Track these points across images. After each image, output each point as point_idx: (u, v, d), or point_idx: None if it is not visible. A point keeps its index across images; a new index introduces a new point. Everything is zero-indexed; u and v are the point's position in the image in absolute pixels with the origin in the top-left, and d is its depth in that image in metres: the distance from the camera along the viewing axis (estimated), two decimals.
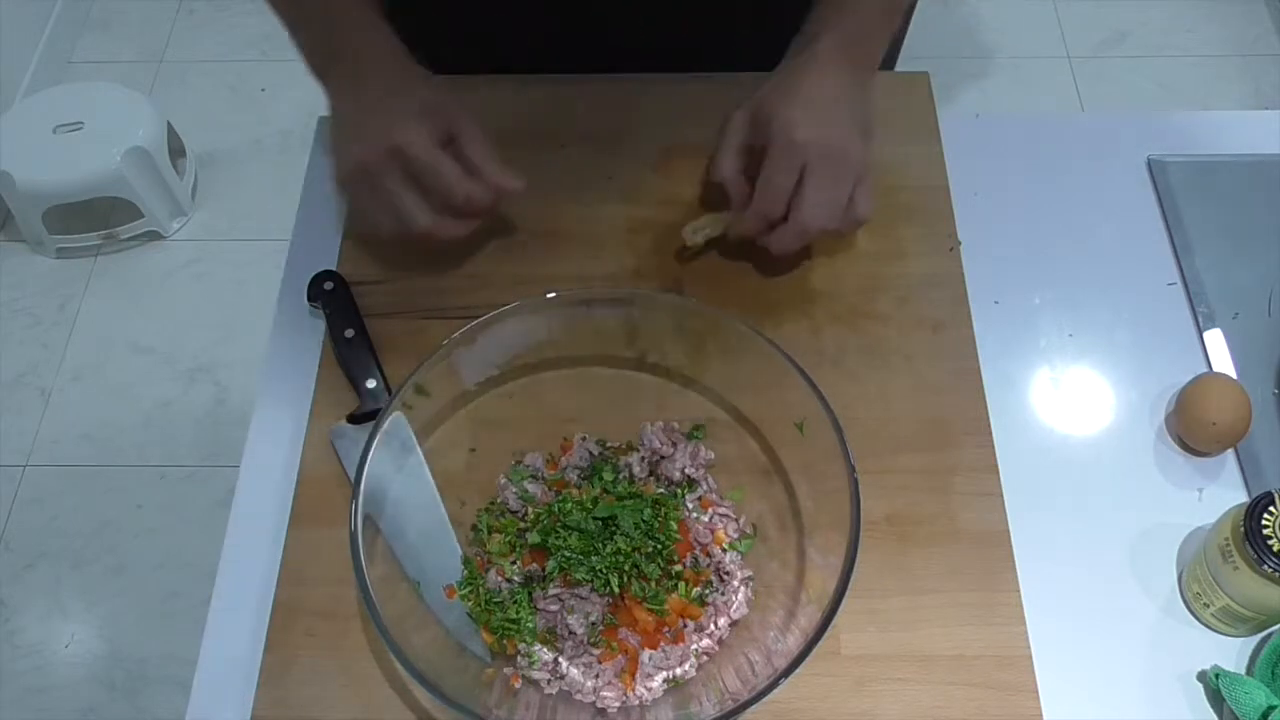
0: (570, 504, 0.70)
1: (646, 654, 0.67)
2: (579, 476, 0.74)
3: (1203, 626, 0.71)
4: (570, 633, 0.67)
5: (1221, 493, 0.76)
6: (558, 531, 0.68)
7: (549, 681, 0.67)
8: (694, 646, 0.67)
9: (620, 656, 0.67)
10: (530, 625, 0.68)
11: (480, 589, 0.69)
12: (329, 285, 0.82)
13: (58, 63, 2.31)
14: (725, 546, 0.71)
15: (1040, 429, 0.80)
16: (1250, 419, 0.75)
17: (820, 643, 0.60)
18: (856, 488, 0.64)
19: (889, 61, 1.04)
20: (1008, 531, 0.72)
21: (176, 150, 2.06)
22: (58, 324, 1.96)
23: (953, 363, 0.79)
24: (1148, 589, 0.73)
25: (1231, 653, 0.70)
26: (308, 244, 0.87)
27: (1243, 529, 0.65)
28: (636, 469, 0.74)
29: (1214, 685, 0.67)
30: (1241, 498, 0.75)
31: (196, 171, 2.12)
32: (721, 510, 0.72)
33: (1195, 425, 0.76)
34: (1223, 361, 0.82)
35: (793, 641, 0.63)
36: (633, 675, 0.66)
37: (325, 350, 0.81)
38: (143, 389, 1.88)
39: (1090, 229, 0.89)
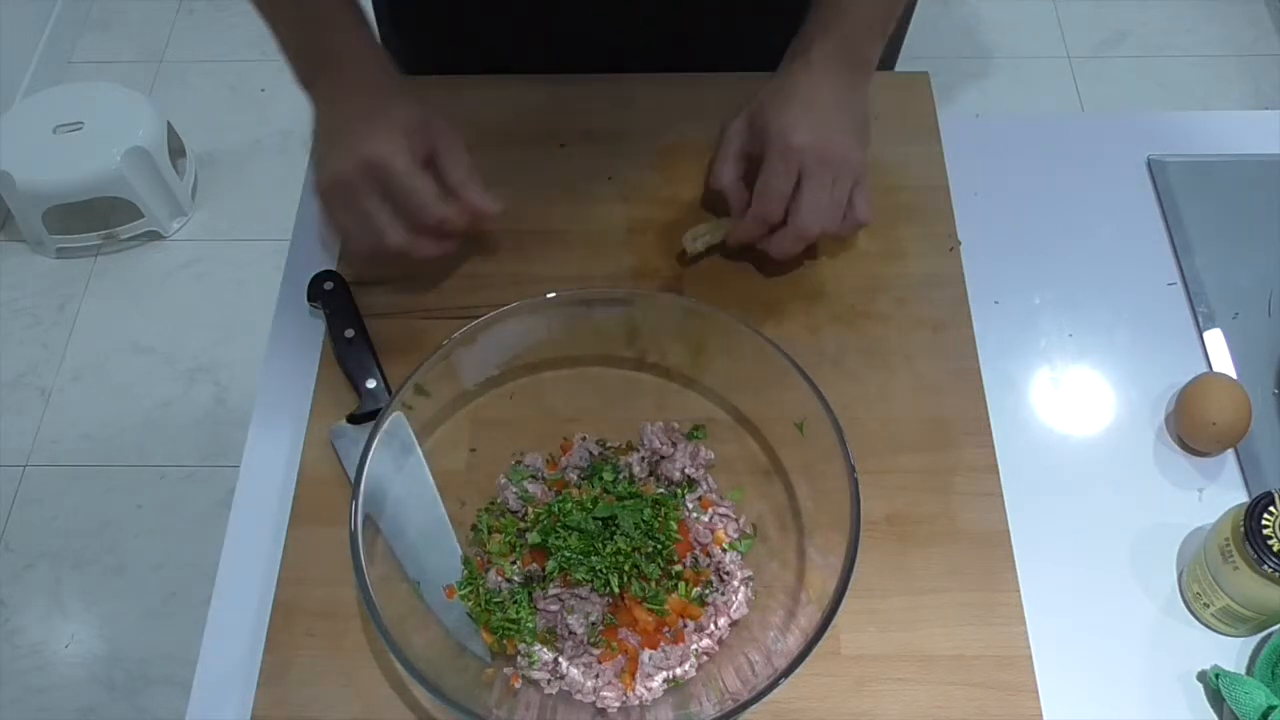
0: (570, 504, 0.70)
1: (646, 654, 0.67)
2: (579, 476, 0.74)
3: (1203, 626, 0.71)
4: (570, 633, 0.67)
5: (1221, 493, 0.76)
6: (558, 531, 0.68)
7: (549, 681, 0.67)
8: (694, 646, 0.67)
9: (620, 656, 0.67)
10: (530, 625, 0.68)
11: (480, 589, 0.69)
12: (329, 285, 0.82)
13: (58, 63, 2.32)
14: (725, 546, 0.71)
15: (1040, 429, 0.80)
16: (1250, 419, 0.75)
17: (820, 643, 0.60)
18: (856, 488, 0.64)
19: (889, 61, 1.04)
20: (1008, 531, 0.72)
21: (176, 150, 2.06)
22: (58, 324, 1.96)
23: (953, 363, 0.79)
24: (1148, 589, 0.73)
25: (1231, 653, 0.70)
26: (308, 244, 0.87)
27: (1243, 529, 0.65)
28: (636, 469, 0.74)
29: (1214, 685, 0.67)
30: (1241, 498, 0.75)
31: (196, 171, 2.12)
32: (721, 510, 0.72)
33: (1195, 425, 0.76)
34: (1223, 361, 0.82)
35: (793, 641, 0.63)
36: (633, 675, 0.66)
37: (325, 350, 0.81)
38: (143, 389, 1.88)
39: (1090, 229, 0.89)
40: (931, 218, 0.87)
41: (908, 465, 0.75)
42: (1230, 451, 0.78)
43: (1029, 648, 0.68)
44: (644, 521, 0.69)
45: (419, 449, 0.72)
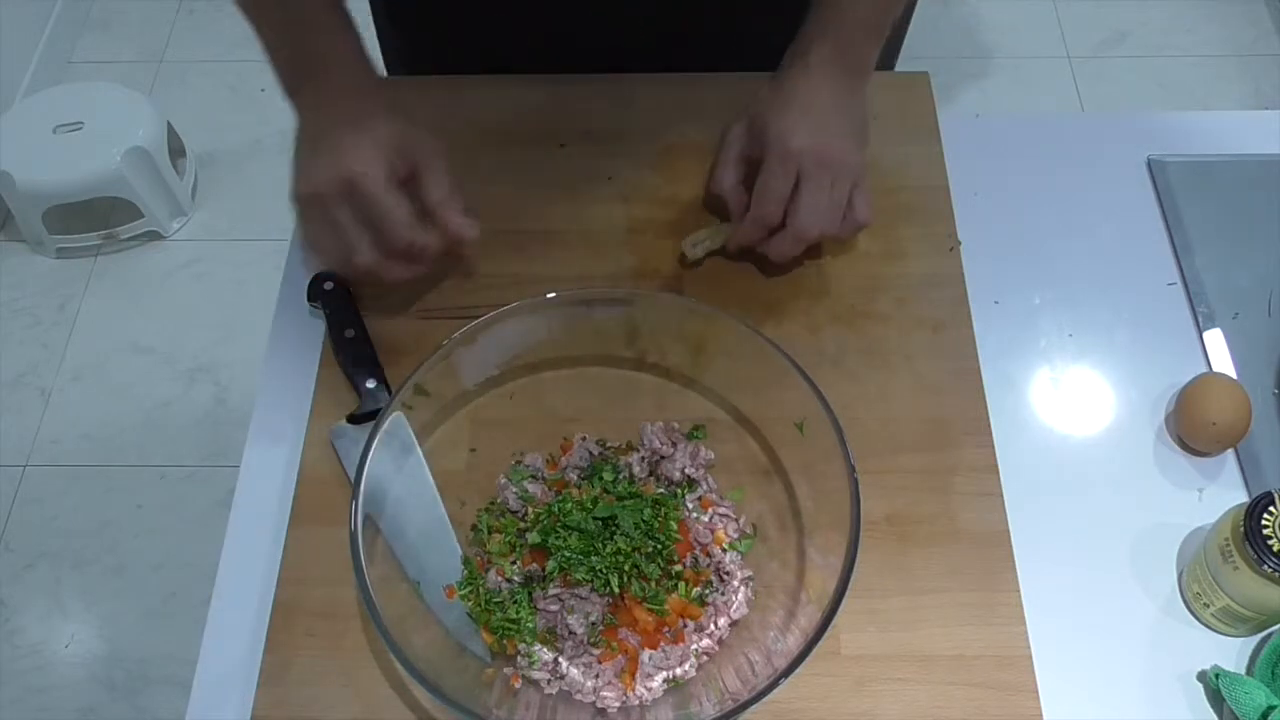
0: (570, 504, 0.70)
1: (646, 654, 0.67)
2: (579, 476, 0.74)
3: (1203, 626, 0.71)
4: (570, 633, 0.67)
5: (1221, 493, 0.76)
6: (558, 531, 0.68)
7: (549, 681, 0.67)
8: (694, 646, 0.67)
9: (620, 656, 0.67)
10: (530, 625, 0.68)
11: (480, 589, 0.69)
12: (329, 285, 0.82)
13: (58, 63, 2.31)
14: (725, 546, 0.71)
15: (1040, 429, 0.80)
16: (1250, 419, 0.75)
17: (820, 643, 0.60)
18: (856, 488, 0.64)
19: (889, 61, 1.04)
20: (1008, 531, 0.72)
21: (176, 150, 2.06)
22: (58, 324, 1.96)
23: (953, 363, 0.79)
24: (1148, 589, 0.73)
25: (1231, 653, 0.70)
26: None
27: (1243, 529, 0.65)
28: (636, 469, 0.74)
29: (1214, 685, 0.67)
30: (1241, 498, 0.75)
31: (196, 171, 2.12)
32: (721, 510, 0.72)
33: (1195, 425, 0.76)
34: (1223, 361, 0.82)
35: (793, 641, 0.63)
36: (633, 675, 0.66)
37: (325, 350, 0.81)
38: (143, 389, 1.88)
39: (1090, 229, 0.89)
40: (931, 218, 0.87)
41: (908, 465, 0.75)
42: (1230, 451, 0.78)
43: (1029, 648, 0.68)
44: (644, 521, 0.69)
45: (419, 449, 0.72)
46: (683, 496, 0.73)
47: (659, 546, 0.68)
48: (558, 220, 0.87)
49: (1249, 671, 0.69)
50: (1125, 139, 0.94)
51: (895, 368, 0.79)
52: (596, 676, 0.66)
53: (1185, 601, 0.72)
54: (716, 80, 0.93)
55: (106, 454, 1.81)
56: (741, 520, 0.72)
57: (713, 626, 0.68)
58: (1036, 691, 0.66)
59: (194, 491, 1.77)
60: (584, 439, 0.76)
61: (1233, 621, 0.69)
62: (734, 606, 0.69)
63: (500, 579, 0.70)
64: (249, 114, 2.21)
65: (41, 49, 2.25)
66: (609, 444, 0.76)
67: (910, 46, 1.04)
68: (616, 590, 0.67)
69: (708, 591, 0.69)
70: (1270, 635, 0.69)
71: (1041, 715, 0.66)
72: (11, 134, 1.94)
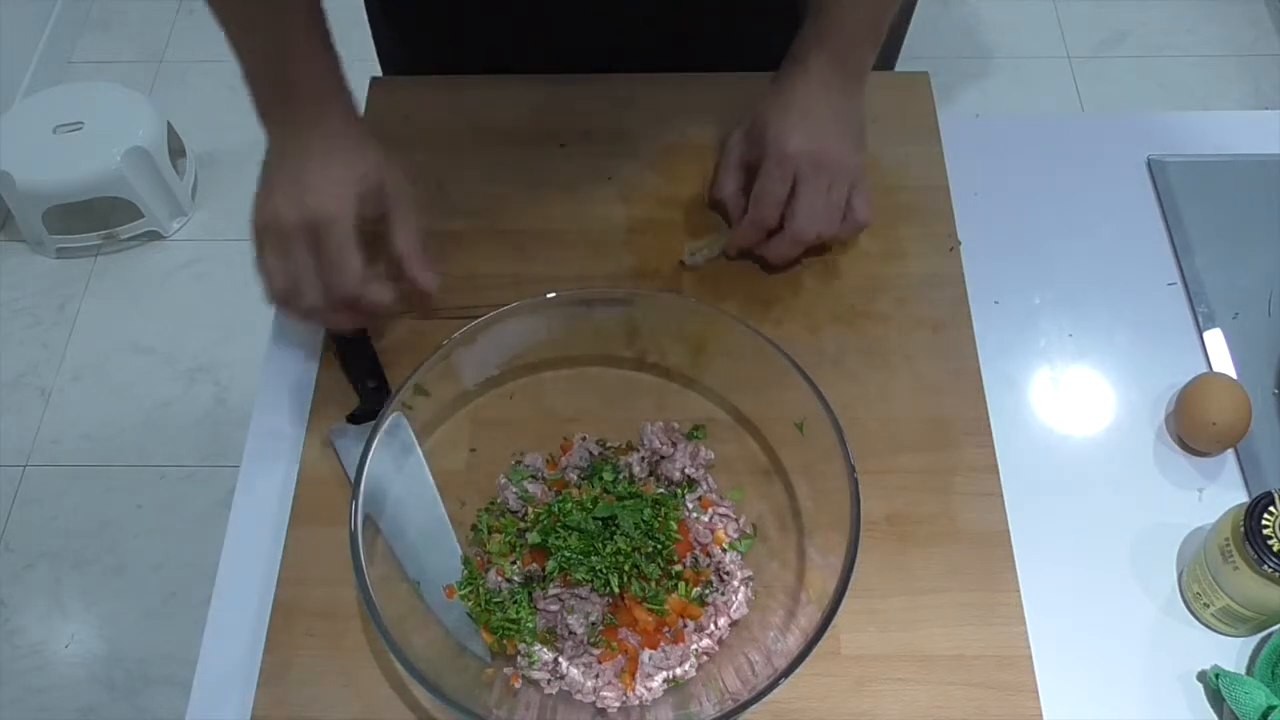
0: (570, 504, 0.70)
1: (646, 654, 0.67)
2: (579, 476, 0.74)
3: (1203, 626, 0.71)
4: (570, 633, 0.67)
5: (1221, 493, 0.76)
6: (558, 531, 0.68)
7: (549, 681, 0.67)
8: (694, 646, 0.67)
9: (620, 656, 0.67)
10: (530, 625, 0.67)
11: (480, 589, 0.69)
12: None
13: (58, 63, 2.31)
14: (725, 546, 0.71)
15: (1040, 429, 0.80)
16: (1250, 419, 0.75)
17: (820, 643, 0.60)
18: (856, 488, 0.64)
19: (889, 61, 1.04)
20: (1008, 531, 0.72)
21: (176, 150, 2.06)
22: (58, 324, 1.96)
23: (953, 363, 0.79)
24: (1148, 589, 0.73)
25: (1231, 653, 0.70)
26: None
27: (1243, 529, 0.65)
28: (636, 469, 0.74)
29: (1214, 685, 0.67)
30: (1241, 498, 0.75)
31: (196, 171, 2.12)
32: (721, 510, 0.72)
33: (1195, 425, 0.76)
34: (1223, 361, 0.82)
35: (793, 641, 0.63)
36: (633, 675, 0.66)
37: (325, 350, 0.81)
38: (143, 389, 1.88)
39: (1090, 229, 0.89)
40: (931, 218, 0.87)
41: (908, 465, 0.75)
42: (1230, 451, 0.78)
43: (1029, 648, 0.68)
44: (644, 521, 0.69)
45: (419, 449, 0.72)
46: (683, 496, 0.73)
47: (659, 546, 0.68)
48: (558, 220, 0.87)
49: (1249, 671, 0.69)
50: (1125, 139, 0.94)
51: (895, 368, 0.79)
52: (596, 676, 0.66)
53: (1185, 601, 0.72)
54: (716, 80, 0.93)
55: (106, 454, 1.81)
56: (741, 520, 0.72)
57: (713, 626, 0.68)
58: (1036, 691, 0.66)
59: (194, 491, 1.77)
60: (584, 439, 0.76)
61: (1233, 621, 0.69)
62: (734, 606, 0.69)
63: (500, 579, 0.70)
64: (249, 114, 2.19)
65: (41, 49, 2.25)
66: (609, 444, 0.76)
67: (910, 46, 1.04)
68: (616, 590, 0.67)
69: (708, 591, 0.69)
70: (1270, 635, 0.69)
71: (1041, 715, 0.66)
72: (11, 134, 1.94)
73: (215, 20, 0.73)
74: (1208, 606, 0.70)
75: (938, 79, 0.95)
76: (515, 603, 0.68)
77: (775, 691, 0.59)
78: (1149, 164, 0.92)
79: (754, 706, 0.59)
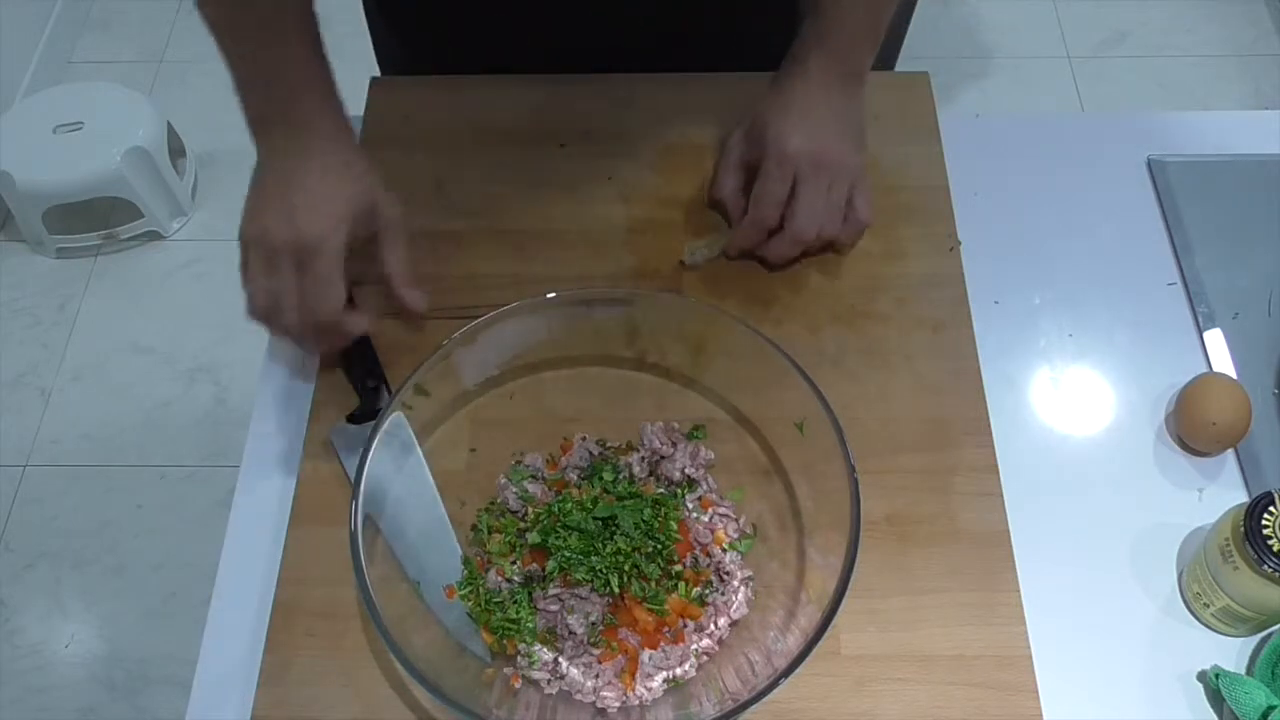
0: (570, 504, 0.70)
1: (646, 654, 0.67)
2: (579, 476, 0.74)
3: (1203, 626, 0.71)
4: (570, 633, 0.67)
5: (1221, 493, 0.76)
6: (558, 531, 0.68)
7: (549, 681, 0.67)
8: (694, 646, 0.67)
9: (620, 656, 0.67)
10: (530, 625, 0.67)
11: (480, 589, 0.69)
12: None
13: (58, 63, 2.31)
14: (725, 546, 0.71)
15: (1040, 429, 0.80)
16: (1250, 419, 0.75)
17: (820, 643, 0.60)
18: (856, 488, 0.64)
19: (889, 61, 1.04)
20: (1008, 531, 0.72)
21: (176, 150, 2.06)
22: (58, 324, 1.96)
23: (953, 363, 0.79)
24: (1148, 589, 0.73)
25: (1231, 653, 0.70)
26: None
27: (1243, 529, 0.65)
28: (636, 469, 0.74)
29: (1214, 685, 0.67)
30: (1241, 498, 0.75)
31: (196, 171, 2.12)
32: (721, 510, 0.72)
33: (1195, 425, 0.76)
34: (1223, 361, 0.82)
35: (793, 641, 0.63)
36: (633, 675, 0.66)
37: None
38: (143, 389, 1.88)
39: (1090, 229, 0.89)
40: (931, 218, 0.87)
41: (908, 465, 0.75)
42: (1230, 451, 0.78)
43: (1029, 648, 0.68)
44: (644, 521, 0.69)
45: (419, 449, 0.72)
46: (683, 496, 0.73)
47: (659, 546, 0.68)
48: (558, 220, 0.87)
49: (1249, 671, 0.69)
50: (1125, 139, 0.94)
51: (895, 368, 0.79)
52: (596, 676, 0.66)
53: (1185, 601, 0.72)
54: (716, 80, 0.93)
55: (106, 454, 1.81)
56: (741, 520, 0.72)
57: (713, 626, 0.68)
58: (1036, 691, 0.66)
59: (194, 491, 1.77)
60: (584, 439, 0.76)
61: (1233, 621, 0.69)
62: (734, 606, 0.69)
63: (500, 579, 0.70)
64: None
65: (41, 49, 2.25)
66: (609, 444, 0.76)
67: (910, 46, 1.04)
68: (616, 590, 0.67)
69: (708, 591, 0.69)
70: (1270, 635, 0.69)
71: (1041, 715, 0.66)
72: (11, 134, 1.94)
73: (205, 26, 0.72)
74: (1208, 606, 0.70)
75: (938, 79, 0.95)
76: (515, 603, 0.68)
77: (775, 691, 0.59)
78: (1149, 164, 0.92)
79: (754, 706, 0.59)
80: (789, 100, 0.80)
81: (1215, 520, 0.69)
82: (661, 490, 0.73)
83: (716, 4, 0.95)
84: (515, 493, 0.73)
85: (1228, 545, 0.66)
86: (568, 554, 0.67)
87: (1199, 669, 0.69)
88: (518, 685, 0.67)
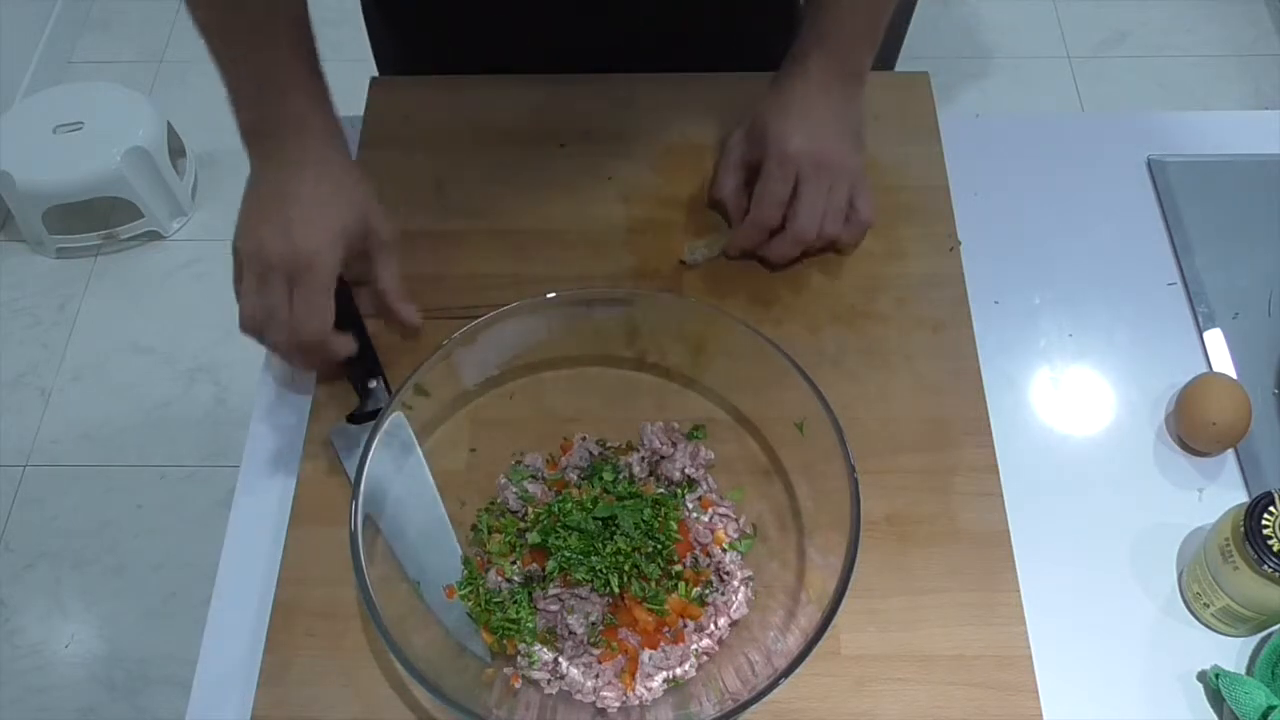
0: (570, 504, 0.70)
1: (646, 654, 0.67)
2: (579, 476, 0.74)
3: (1203, 626, 0.71)
4: (570, 633, 0.67)
5: (1221, 493, 0.76)
6: (558, 531, 0.68)
7: (549, 681, 0.67)
8: (694, 646, 0.67)
9: (620, 656, 0.67)
10: (530, 625, 0.67)
11: (480, 589, 0.69)
12: None
13: (58, 63, 2.31)
14: (725, 546, 0.71)
15: (1040, 429, 0.80)
16: (1250, 419, 0.75)
17: (820, 643, 0.60)
18: (856, 488, 0.64)
19: (889, 61, 1.04)
20: (1008, 531, 0.72)
21: (176, 150, 2.06)
22: (58, 324, 1.96)
23: (953, 363, 0.79)
24: (1148, 589, 0.73)
25: (1231, 653, 0.70)
26: None
27: (1243, 529, 0.65)
28: (636, 469, 0.74)
29: (1214, 685, 0.67)
30: (1241, 498, 0.75)
31: (196, 171, 2.12)
32: (721, 510, 0.72)
33: (1195, 425, 0.76)
34: (1223, 361, 0.82)
35: (793, 641, 0.63)
36: (633, 675, 0.66)
37: None
38: (143, 389, 1.88)
39: (1090, 229, 0.89)
40: (931, 218, 0.87)
41: (908, 465, 0.75)
42: (1230, 451, 0.78)
43: (1029, 648, 0.68)
44: (644, 521, 0.69)
45: (419, 449, 0.72)
46: (683, 496, 0.73)
47: (659, 546, 0.68)
48: (558, 220, 0.87)
49: (1249, 671, 0.69)
50: (1125, 139, 0.94)
51: (895, 368, 0.79)
52: (596, 676, 0.66)
53: (1185, 601, 0.72)
54: (716, 80, 0.93)
55: (106, 454, 1.81)
56: (741, 520, 0.72)
57: (713, 626, 0.68)
58: (1036, 691, 0.66)
59: (194, 491, 1.77)
60: (584, 439, 0.76)
61: (1233, 621, 0.69)
62: (734, 606, 0.69)
63: (500, 579, 0.70)
64: None
65: (41, 49, 2.25)
66: (609, 444, 0.76)
67: (910, 46, 1.04)
68: (616, 590, 0.67)
69: (708, 591, 0.69)
70: (1270, 635, 0.69)
71: (1041, 715, 0.66)
72: (11, 134, 1.94)
73: (197, 30, 0.72)
74: (1208, 606, 0.70)
75: (938, 79, 0.95)
76: (515, 603, 0.68)
77: (775, 691, 0.59)
78: (1149, 164, 0.92)
79: (754, 706, 0.59)
80: (789, 100, 0.80)
81: (1215, 520, 0.69)
82: (661, 490, 0.73)
83: (716, 4, 0.95)
84: (515, 493, 0.73)
85: (1228, 545, 0.66)
86: (568, 554, 0.67)
87: (1199, 669, 0.69)
88: (518, 685, 0.67)
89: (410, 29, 0.99)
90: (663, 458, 0.74)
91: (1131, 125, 0.96)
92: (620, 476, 0.73)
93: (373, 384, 0.77)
